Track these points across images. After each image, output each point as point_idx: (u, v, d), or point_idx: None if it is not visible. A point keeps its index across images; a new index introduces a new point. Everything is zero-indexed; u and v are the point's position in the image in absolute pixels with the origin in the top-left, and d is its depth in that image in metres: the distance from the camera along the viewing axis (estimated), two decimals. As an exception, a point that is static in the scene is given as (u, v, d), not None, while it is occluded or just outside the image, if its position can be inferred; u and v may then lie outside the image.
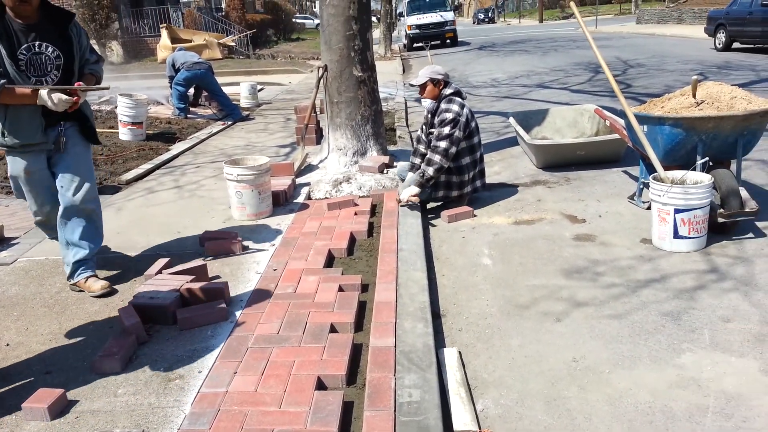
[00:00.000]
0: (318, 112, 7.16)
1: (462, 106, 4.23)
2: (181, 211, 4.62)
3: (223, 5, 29.89)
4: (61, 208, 3.19)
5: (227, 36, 20.05)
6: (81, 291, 3.21)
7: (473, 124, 4.32)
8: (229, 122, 8.47)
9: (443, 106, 4.24)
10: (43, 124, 3.04)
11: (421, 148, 4.58)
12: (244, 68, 16.10)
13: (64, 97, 2.89)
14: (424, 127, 4.59)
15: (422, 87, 4.36)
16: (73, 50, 3.09)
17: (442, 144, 4.14)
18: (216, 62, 15.02)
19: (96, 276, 3.25)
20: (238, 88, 10.20)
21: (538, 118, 6.05)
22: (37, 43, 2.98)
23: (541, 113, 6.14)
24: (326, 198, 4.77)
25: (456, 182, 4.34)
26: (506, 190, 4.83)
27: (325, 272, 3.30)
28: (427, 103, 4.40)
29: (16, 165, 3.16)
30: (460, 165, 4.31)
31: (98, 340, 2.70)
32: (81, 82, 3.07)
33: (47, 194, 3.27)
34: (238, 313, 2.89)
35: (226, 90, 9.06)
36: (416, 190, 4.24)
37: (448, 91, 4.31)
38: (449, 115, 4.17)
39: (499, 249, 3.68)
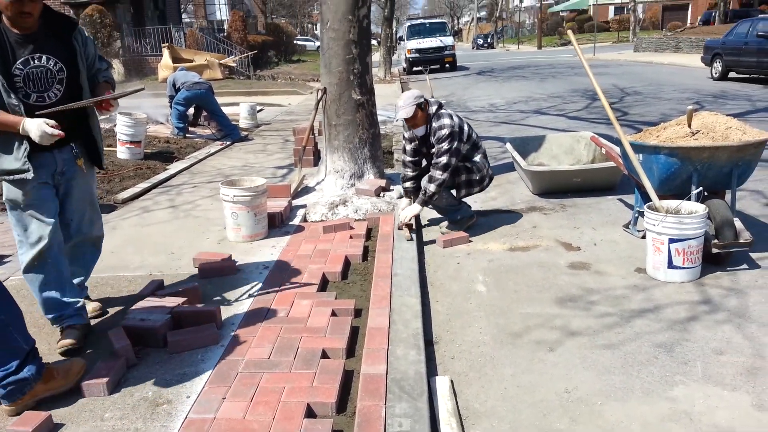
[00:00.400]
0: (316, 134, 7.19)
1: (450, 116, 4.25)
2: (177, 231, 4.61)
3: (225, 26, 30.25)
4: (70, 242, 2.95)
5: (228, 56, 20.22)
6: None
7: (466, 126, 4.35)
8: (228, 142, 8.50)
9: (435, 124, 4.23)
10: (27, 150, 2.60)
11: (409, 172, 4.59)
12: (244, 89, 16.22)
13: (48, 130, 2.50)
14: (407, 149, 4.55)
15: (413, 117, 4.21)
16: (77, 61, 2.76)
17: (443, 159, 4.15)
18: (217, 82, 15.14)
19: (74, 328, 2.86)
20: (238, 109, 10.26)
21: (535, 144, 6.09)
22: (36, 55, 2.64)
23: (538, 139, 6.18)
24: (322, 220, 4.76)
25: (476, 179, 4.40)
26: (502, 215, 4.84)
27: (319, 296, 3.29)
28: (421, 131, 4.33)
29: (12, 191, 2.71)
30: (475, 163, 4.37)
31: (88, 363, 2.67)
32: (110, 92, 2.84)
33: (46, 226, 2.75)
34: (229, 337, 2.86)
35: (225, 110, 9.12)
36: (418, 209, 4.27)
37: (432, 109, 4.29)
38: (445, 131, 4.16)
39: (493, 276, 3.67)
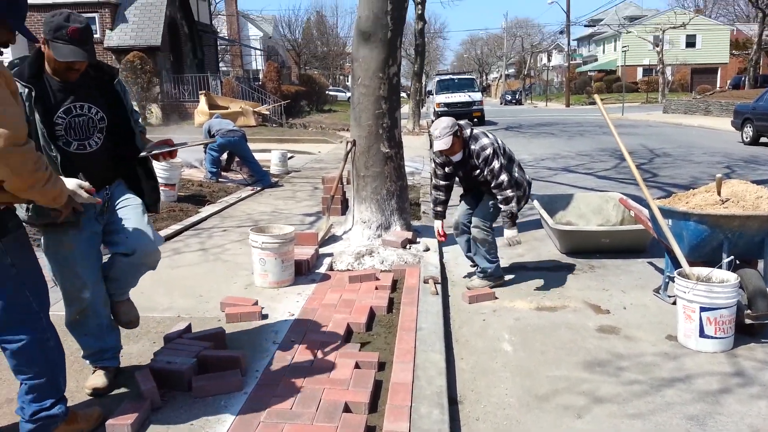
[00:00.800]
0: (344, 183, 7.31)
1: (485, 135, 4.26)
2: (205, 274, 4.68)
3: (261, 76, 31.30)
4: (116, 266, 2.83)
5: (262, 105, 20.84)
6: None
7: (500, 141, 4.37)
8: (258, 188, 8.68)
9: (475, 147, 4.19)
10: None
11: (441, 196, 4.55)
12: (276, 136, 16.63)
13: (84, 195, 2.42)
14: (439, 174, 4.49)
15: (451, 147, 4.11)
16: (118, 110, 2.77)
17: (503, 177, 4.13)
18: (250, 129, 15.56)
19: (107, 370, 2.87)
20: (270, 155, 10.52)
21: (563, 202, 6.09)
22: (78, 104, 2.64)
23: (565, 198, 6.19)
24: (348, 270, 4.79)
25: (521, 195, 4.38)
26: (529, 273, 4.81)
27: (343, 347, 3.28)
28: (458, 156, 4.24)
29: (51, 242, 2.66)
30: (516, 179, 4.33)
31: (113, 402, 2.69)
32: (170, 139, 2.88)
33: (88, 275, 2.72)
34: (252, 384, 2.86)
35: (257, 156, 9.36)
36: (515, 231, 4.22)
37: (467, 132, 4.25)
38: (489, 151, 4.16)
39: (520, 335, 3.63)
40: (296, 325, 3.61)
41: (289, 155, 11.56)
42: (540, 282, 4.59)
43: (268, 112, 20.36)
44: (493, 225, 4.38)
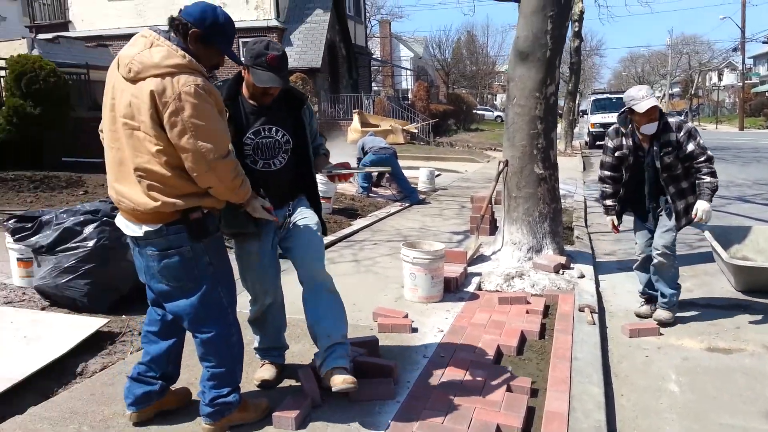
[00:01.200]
0: (494, 203, 7.24)
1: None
2: (358, 284, 4.88)
3: (410, 95, 32.13)
4: (303, 288, 2.95)
5: (411, 123, 21.37)
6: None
7: None
8: (407, 204, 8.90)
9: (673, 120, 3.93)
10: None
11: (608, 188, 4.22)
12: (423, 154, 16.95)
13: (265, 215, 2.65)
14: (606, 163, 4.18)
15: (656, 110, 3.79)
16: (305, 134, 2.94)
17: (709, 152, 3.93)
18: (398, 146, 16.02)
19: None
20: (417, 173, 10.74)
21: (739, 235, 5.51)
22: (267, 126, 2.82)
23: (742, 230, 5.60)
24: (497, 291, 4.73)
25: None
26: (699, 310, 4.40)
27: (493, 368, 3.24)
28: (650, 128, 3.86)
29: (240, 249, 2.93)
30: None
31: (278, 396, 2.86)
32: (347, 162, 3.02)
33: (269, 282, 2.98)
34: (404, 394, 2.93)
35: (406, 173, 9.61)
36: (708, 205, 3.95)
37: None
38: (690, 125, 3.94)
39: (688, 376, 3.33)
40: (446, 342, 3.63)
41: (437, 173, 11.72)
42: (711, 321, 4.17)
43: (416, 131, 20.85)
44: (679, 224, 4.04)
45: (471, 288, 4.78)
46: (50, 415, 2.77)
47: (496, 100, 59.85)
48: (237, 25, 2.60)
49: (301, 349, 3.49)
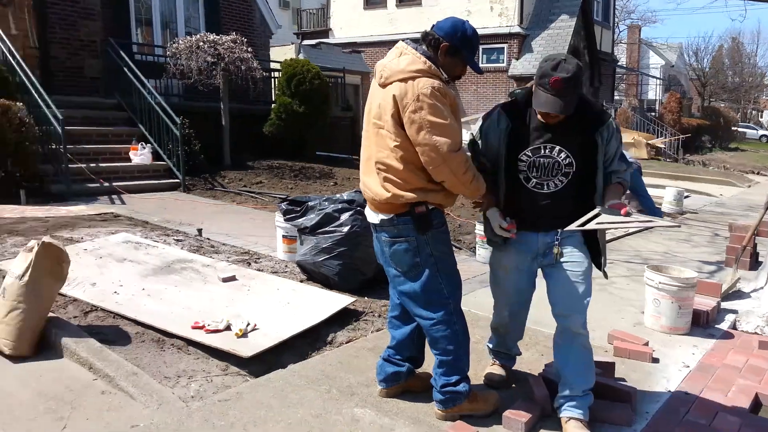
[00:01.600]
0: (756, 235, 6.31)
1: None
2: (592, 303, 4.63)
3: (657, 106, 29.45)
4: (557, 327, 2.85)
5: (657, 137, 19.62)
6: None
7: None
8: (650, 225, 8.20)
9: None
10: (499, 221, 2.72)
11: None
12: (669, 171, 15.46)
13: (500, 233, 2.69)
14: None
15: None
16: (595, 158, 2.62)
17: None
18: (641, 161, 14.84)
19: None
20: (662, 191, 9.84)
21: None
22: (549, 145, 2.62)
23: None
24: (756, 333, 4.14)
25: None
26: None
27: (749, 418, 2.87)
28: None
29: (494, 256, 2.95)
30: None
31: (505, 398, 2.90)
32: (626, 208, 2.49)
33: (512, 300, 2.96)
34: (641, 424, 2.75)
35: (648, 191, 8.86)
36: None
37: None
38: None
39: None
40: (691, 379, 3.30)
41: (685, 194, 10.59)
42: None
43: (663, 146, 19.10)
44: None
45: (724, 326, 4.25)
46: (307, 374, 3.19)
47: (762, 116, 51.88)
48: (479, 32, 2.69)
49: (528, 358, 3.47)
